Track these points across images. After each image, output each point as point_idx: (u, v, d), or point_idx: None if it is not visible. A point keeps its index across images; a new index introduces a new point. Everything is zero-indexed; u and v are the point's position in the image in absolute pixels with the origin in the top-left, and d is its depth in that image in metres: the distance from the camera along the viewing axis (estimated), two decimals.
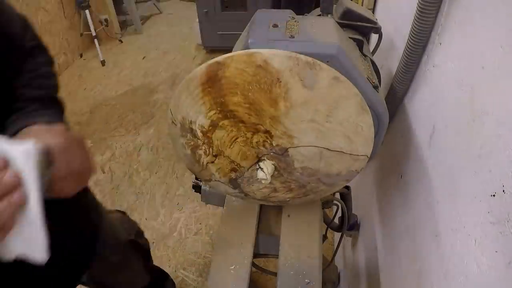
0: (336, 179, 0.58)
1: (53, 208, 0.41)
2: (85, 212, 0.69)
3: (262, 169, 0.55)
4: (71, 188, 0.46)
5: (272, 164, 0.55)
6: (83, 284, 0.80)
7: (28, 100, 0.51)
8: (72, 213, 0.62)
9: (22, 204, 0.36)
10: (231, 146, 0.54)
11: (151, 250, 1.02)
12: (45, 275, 0.58)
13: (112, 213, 0.89)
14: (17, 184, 0.36)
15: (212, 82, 0.48)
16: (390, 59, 0.81)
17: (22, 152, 0.36)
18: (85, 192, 0.70)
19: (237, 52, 0.45)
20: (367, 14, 0.67)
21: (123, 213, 0.94)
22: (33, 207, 0.37)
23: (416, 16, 0.54)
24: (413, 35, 0.56)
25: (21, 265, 0.45)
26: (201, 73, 0.47)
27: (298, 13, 0.60)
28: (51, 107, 0.53)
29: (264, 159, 0.55)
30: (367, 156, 0.54)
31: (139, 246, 0.93)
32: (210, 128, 0.53)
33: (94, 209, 0.74)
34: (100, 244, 0.72)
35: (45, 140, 0.41)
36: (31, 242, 0.38)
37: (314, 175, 0.57)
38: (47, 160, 0.40)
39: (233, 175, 0.59)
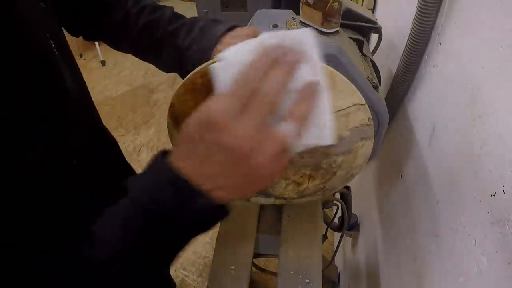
0: (345, 143, 0.53)
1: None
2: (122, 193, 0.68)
3: None
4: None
5: None
6: None
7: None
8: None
9: (316, 93, 0.32)
10: None
11: None
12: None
13: None
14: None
15: None
16: (390, 59, 0.81)
17: (301, 34, 0.31)
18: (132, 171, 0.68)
19: None
20: (367, 14, 0.67)
21: None
22: (322, 90, 0.32)
23: (416, 16, 0.54)
24: (413, 35, 0.56)
25: None
26: None
27: (298, 13, 0.60)
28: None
29: None
30: (360, 104, 0.49)
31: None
32: None
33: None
34: None
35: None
36: (321, 127, 0.34)
37: (315, 152, 0.54)
38: None
39: None
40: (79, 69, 0.52)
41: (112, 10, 0.56)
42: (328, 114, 0.33)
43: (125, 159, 0.66)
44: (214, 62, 0.32)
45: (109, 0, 0.56)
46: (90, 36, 0.62)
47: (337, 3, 0.48)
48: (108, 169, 0.54)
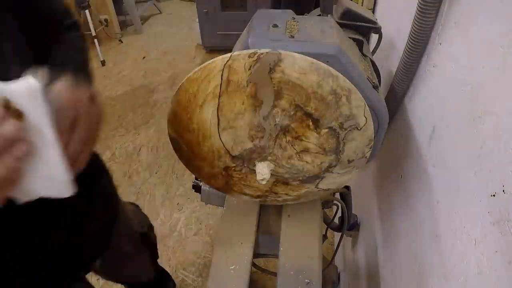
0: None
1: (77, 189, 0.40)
2: (105, 196, 0.70)
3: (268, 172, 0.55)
4: (77, 148, 0.40)
5: (271, 168, 0.55)
6: (95, 271, 0.80)
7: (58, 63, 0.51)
8: (93, 193, 0.62)
9: (28, 155, 0.33)
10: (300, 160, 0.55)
11: None
12: (61, 257, 0.58)
13: (127, 205, 0.90)
14: (19, 133, 0.32)
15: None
16: (390, 59, 0.81)
17: (23, 90, 0.32)
18: (105, 173, 0.70)
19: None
20: (367, 14, 0.67)
21: (136, 206, 0.95)
22: (48, 145, 0.34)
23: (416, 16, 0.54)
24: (413, 35, 0.56)
25: (38, 245, 0.45)
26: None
27: (298, 13, 0.60)
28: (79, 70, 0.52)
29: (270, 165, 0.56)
30: None
31: (149, 240, 0.94)
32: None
33: (113, 194, 0.74)
34: (116, 232, 0.73)
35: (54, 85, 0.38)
36: (51, 180, 0.36)
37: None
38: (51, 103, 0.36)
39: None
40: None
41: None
42: (60, 167, 0.35)
43: None
44: None
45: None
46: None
47: None
48: None
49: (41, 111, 0.33)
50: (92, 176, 0.47)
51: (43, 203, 0.40)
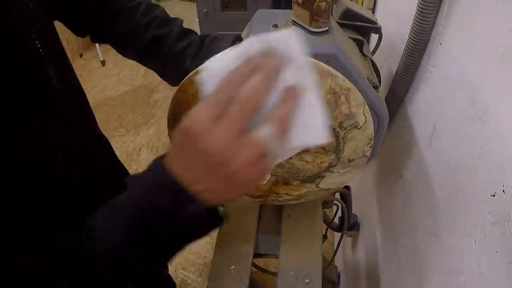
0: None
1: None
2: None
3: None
4: None
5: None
6: None
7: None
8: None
9: (298, 95, 0.31)
10: (301, 160, 0.54)
11: None
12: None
13: None
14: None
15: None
16: (390, 59, 0.81)
17: (288, 37, 0.31)
18: (127, 174, 0.69)
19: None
20: (367, 14, 0.67)
21: None
22: (310, 89, 0.32)
23: (416, 16, 0.54)
24: (413, 35, 0.56)
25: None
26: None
27: None
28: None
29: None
30: None
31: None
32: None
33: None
34: None
35: None
36: (311, 126, 0.33)
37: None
38: None
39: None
40: (72, 70, 0.53)
41: (121, 19, 0.57)
42: (318, 113, 0.33)
43: (120, 164, 0.67)
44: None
45: (118, 9, 0.57)
46: (97, 39, 0.63)
47: (324, 3, 0.48)
48: (100, 171, 0.55)
49: (303, 55, 0.32)
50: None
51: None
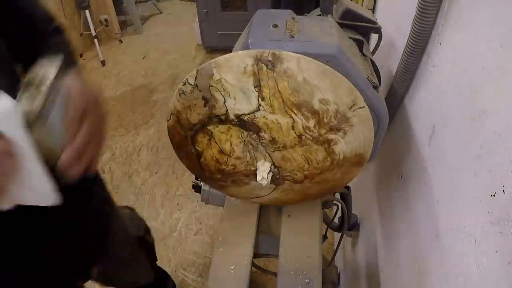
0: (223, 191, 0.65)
1: (67, 198, 0.41)
2: (98, 202, 0.69)
3: (272, 174, 0.55)
4: (85, 139, 0.40)
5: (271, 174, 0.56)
6: (93, 279, 0.80)
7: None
8: (86, 202, 0.63)
9: (14, 172, 0.35)
10: (303, 155, 0.54)
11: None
12: (56, 266, 0.58)
13: (122, 209, 0.89)
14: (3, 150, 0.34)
15: (357, 160, 0.53)
16: (390, 59, 0.81)
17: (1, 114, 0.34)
18: (98, 180, 0.70)
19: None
20: (367, 14, 0.67)
21: (132, 209, 0.94)
22: (29, 158, 0.36)
23: (416, 16, 0.54)
24: (413, 35, 0.56)
25: (32, 256, 0.45)
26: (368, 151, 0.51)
27: (298, 13, 0.60)
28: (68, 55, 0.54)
29: (276, 170, 0.56)
30: None
31: (146, 243, 0.94)
32: (330, 145, 0.53)
33: (107, 201, 0.74)
34: (111, 238, 0.73)
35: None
36: (35, 190, 0.38)
37: (234, 184, 0.62)
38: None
39: (267, 137, 0.54)
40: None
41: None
42: (40, 177, 0.37)
43: None
44: None
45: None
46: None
47: None
48: None
49: (18, 129, 0.35)
50: (84, 184, 0.47)
51: (34, 213, 0.40)
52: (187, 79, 0.49)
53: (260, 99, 0.48)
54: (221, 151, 0.56)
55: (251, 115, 0.50)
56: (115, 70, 2.92)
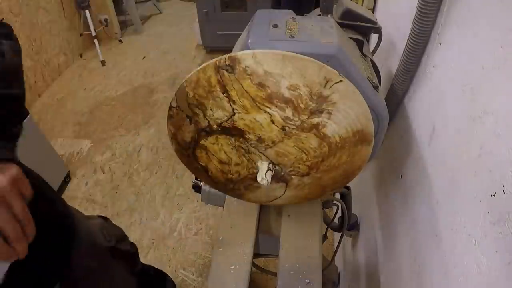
0: (240, 198, 0.65)
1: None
2: (58, 220, 0.69)
3: (272, 173, 0.55)
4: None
5: (271, 173, 0.55)
6: None
7: None
8: (43, 223, 0.62)
9: None
10: (295, 147, 0.53)
11: (151, 250, 1.00)
12: (19, 285, 0.57)
13: (93, 219, 0.88)
14: None
15: (360, 138, 0.51)
16: (390, 59, 0.81)
17: None
18: (56, 202, 0.70)
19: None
20: (367, 14, 0.67)
21: (105, 218, 0.93)
22: None
23: (416, 16, 0.54)
24: (413, 35, 0.56)
25: None
26: (369, 126, 0.50)
27: (298, 13, 0.60)
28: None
29: (276, 167, 0.56)
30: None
31: (120, 253, 0.92)
32: (319, 129, 0.51)
33: (67, 216, 0.73)
34: (76, 250, 0.72)
35: None
36: None
37: (247, 190, 0.62)
38: None
39: (252, 137, 0.54)
40: None
41: None
42: None
43: None
44: None
45: None
46: None
47: None
48: None
49: None
50: (42, 207, 0.48)
51: None
52: (171, 103, 0.52)
53: (231, 103, 0.48)
54: (221, 161, 0.57)
55: (229, 120, 0.51)
56: (115, 70, 2.92)
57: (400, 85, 0.65)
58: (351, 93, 0.46)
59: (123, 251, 0.95)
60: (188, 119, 0.52)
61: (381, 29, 0.67)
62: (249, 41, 0.50)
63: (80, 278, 0.80)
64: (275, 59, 0.44)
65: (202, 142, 0.55)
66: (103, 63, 2.97)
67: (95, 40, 2.88)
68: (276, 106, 0.47)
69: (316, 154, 0.53)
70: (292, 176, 0.57)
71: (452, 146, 0.48)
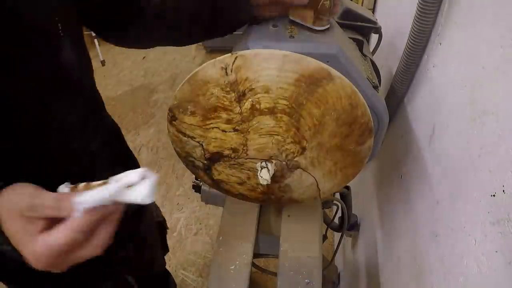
0: (290, 203, 0.63)
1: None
2: None
3: (268, 170, 0.54)
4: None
5: (275, 169, 0.55)
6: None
7: None
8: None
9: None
10: (262, 136, 0.52)
11: None
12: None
13: None
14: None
15: (310, 81, 0.45)
16: (390, 59, 0.81)
17: (143, 192, 0.34)
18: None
19: (345, 79, 0.45)
20: (367, 14, 0.67)
21: None
22: None
23: (416, 16, 0.54)
24: (413, 35, 0.56)
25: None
26: (309, 66, 0.44)
27: None
28: None
29: (272, 161, 0.55)
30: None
31: (164, 230, 0.95)
32: (259, 108, 0.50)
33: None
34: (145, 216, 0.74)
35: None
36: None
37: (285, 192, 0.60)
38: None
39: (229, 152, 0.56)
40: (87, 57, 0.55)
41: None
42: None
43: (130, 152, 0.68)
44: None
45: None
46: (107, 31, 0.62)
47: (328, 1, 0.49)
48: (107, 153, 0.57)
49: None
50: None
51: None
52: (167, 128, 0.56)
53: (193, 139, 0.54)
54: (239, 183, 0.59)
55: (205, 151, 0.56)
56: (115, 70, 2.92)
57: (400, 85, 0.65)
58: (253, 57, 0.45)
59: (165, 230, 0.96)
60: (191, 165, 0.59)
61: (381, 29, 0.67)
62: (249, 41, 0.50)
63: (137, 249, 0.80)
64: (182, 89, 0.49)
65: (214, 178, 0.60)
66: (103, 63, 2.97)
67: (95, 40, 2.88)
68: (214, 118, 0.51)
69: (285, 129, 0.51)
70: (295, 159, 0.55)
71: (452, 146, 0.48)
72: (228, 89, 0.47)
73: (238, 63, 0.45)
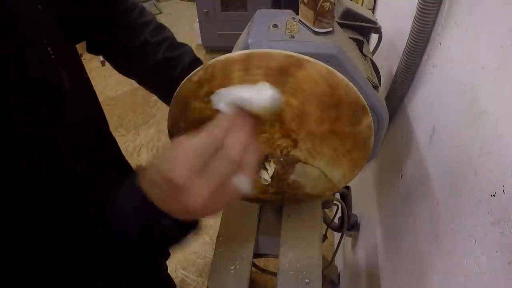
0: (309, 199, 0.62)
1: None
2: None
3: (266, 169, 0.54)
4: None
5: (275, 167, 0.55)
6: None
7: None
8: None
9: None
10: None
11: None
12: None
13: None
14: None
15: (278, 73, 0.44)
16: (390, 59, 0.81)
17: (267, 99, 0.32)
18: None
19: (317, 62, 0.43)
20: (367, 14, 0.67)
21: None
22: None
23: (416, 16, 0.54)
24: (413, 35, 0.56)
25: None
26: (273, 57, 0.44)
27: (298, 13, 0.59)
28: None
29: (270, 160, 0.55)
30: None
31: None
32: None
33: None
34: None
35: None
36: None
37: (297, 188, 0.59)
38: None
39: None
40: (84, 72, 0.53)
41: (129, 34, 0.57)
42: None
43: (125, 161, 0.67)
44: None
45: (128, 22, 0.56)
46: (97, 51, 0.62)
47: (328, 3, 0.48)
48: (111, 173, 0.55)
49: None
50: None
51: None
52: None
53: None
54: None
55: None
56: (115, 70, 2.92)
57: (400, 85, 0.65)
58: (222, 63, 0.45)
59: None
60: None
61: (381, 29, 0.67)
62: (249, 41, 0.50)
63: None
64: (171, 109, 0.50)
65: None
66: (103, 63, 2.97)
67: None
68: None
69: (268, 125, 0.50)
70: (291, 154, 0.54)
71: (452, 146, 0.48)
72: (206, 99, 0.48)
73: (210, 72, 0.45)
